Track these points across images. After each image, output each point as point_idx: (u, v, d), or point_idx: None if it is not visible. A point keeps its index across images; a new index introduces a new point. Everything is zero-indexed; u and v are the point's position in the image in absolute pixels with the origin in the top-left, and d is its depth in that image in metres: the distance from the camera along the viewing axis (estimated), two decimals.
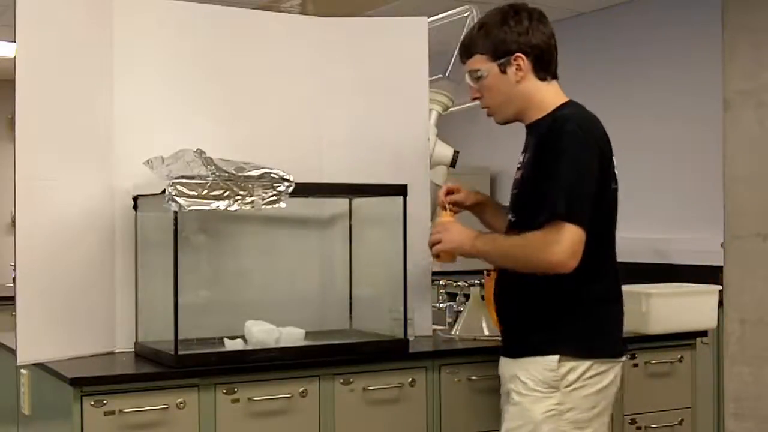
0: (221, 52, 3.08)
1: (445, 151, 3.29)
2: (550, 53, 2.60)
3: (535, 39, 2.56)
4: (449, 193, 2.82)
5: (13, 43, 2.69)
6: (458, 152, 3.31)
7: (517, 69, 2.56)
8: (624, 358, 2.61)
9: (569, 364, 2.48)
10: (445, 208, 2.80)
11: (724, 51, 4.54)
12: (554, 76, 2.62)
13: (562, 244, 2.37)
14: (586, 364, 2.48)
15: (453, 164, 3.31)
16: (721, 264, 4.53)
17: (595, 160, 2.46)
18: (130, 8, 2.95)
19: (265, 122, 3.13)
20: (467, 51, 2.64)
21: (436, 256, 2.68)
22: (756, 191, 4.38)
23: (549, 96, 2.58)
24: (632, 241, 5.81)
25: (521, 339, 2.58)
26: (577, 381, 2.48)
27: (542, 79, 2.59)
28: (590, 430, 2.51)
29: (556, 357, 2.47)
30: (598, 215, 2.46)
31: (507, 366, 2.60)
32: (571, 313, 2.51)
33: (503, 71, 2.57)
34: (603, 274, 2.53)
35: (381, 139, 3.20)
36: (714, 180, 4.82)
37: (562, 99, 2.60)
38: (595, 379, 2.50)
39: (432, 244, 2.66)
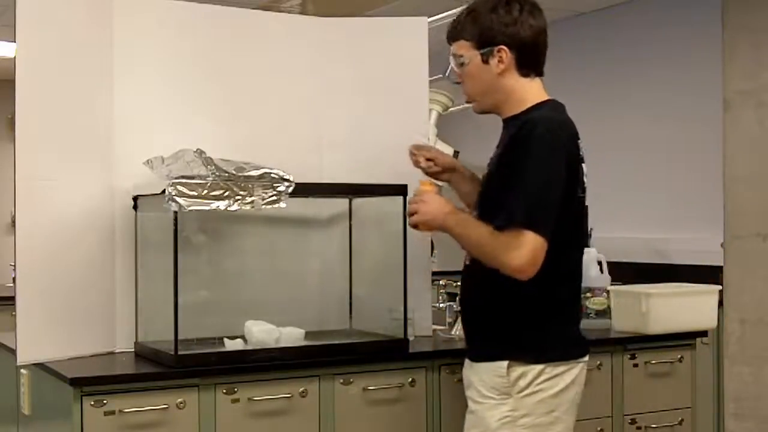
0: (221, 52, 3.08)
1: (445, 151, 3.29)
2: (536, 49, 2.52)
3: (523, 32, 2.48)
4: (429, 159, 2.79)
5: (13, 43, 2.69)
6: (458, 152, 3.31)
7: (499, 61, 2.49)
8: (584, 359, 2.54)
9: (519, 369, 2.43)
10: (418, 165, 2.78)
11: (724, 51, 4.54)
12: (539, 74, 2.55)
13: (522, 250, 2.32)
14: (537, 369, 2.43)
15: None
16: (721, 264, 4.53)
17: (563, 165, 2.39)
18: (130, 8, 2.95)
19: (265, 122, 3.13)
20: (453, 34, 2.57)
21: (414, 226, 2.60)
22: (756, 191, 4.38)
23: (529, 93, 2.51)
24: (632, 241, 5.84)
25: (476, 342, 2.57)
26: (529, 387, 2.43)
27: (525, 75, 2.51)
28: None
29: (505, 363, 2.43)
30: (563, 222, 2.39)
31: (466, 371, 2.59)
32: (525, 318, 2.46)
33: (485, 61, 2.50)
34: (564, 281, 2.48)
35: (381, 139, 3.20)
36: (714, 180, 4.81)
37: (542, 97, 2.52)
38: (548, 384, 2.44)
39: (410, 214, 2.58)
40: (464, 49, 2.54)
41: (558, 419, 2.47)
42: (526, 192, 2.34)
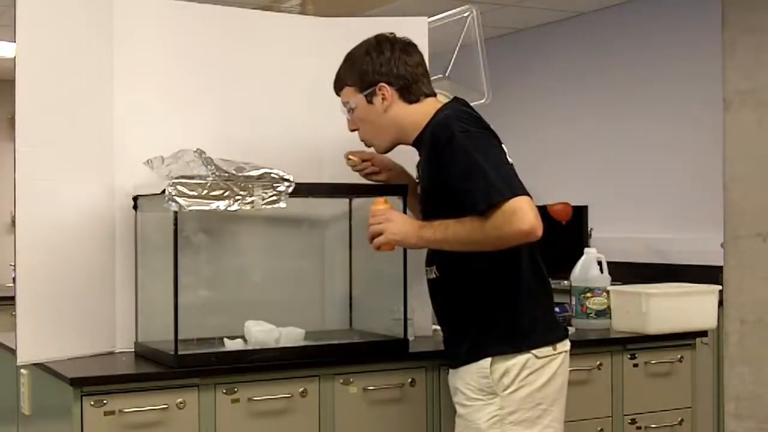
0: (221, 52, 3.08)
1: None
2: (416, 81, 2.62)
3: (399, 69, 2.60)
4: (365, 159, 2.84)
5: (13, 43, 2.69)
6: None
7: (383, 99, 2.60)
8: (566, 347, 2.57)
9: (502, 366, 2.47)
10: (359, 169, 2.82)
11: (724, 51, 4.54)
12: (429, 95, 2.64)
13: (523, 214, 2.34)
14: (519, 362, 2.46)
15: None
16: (721, 264, 4.53)
17: (496, 142, 2.48)
18: (130, 8, 2.95)
19: (265, 122, 3.13)
20: (337, 83, 2.71)
21: (378, 248, 2.60)
22: (756, 191, 4.38)
23: (422, 114, 2.59)
24: (632, 241, 5.84)
25: (455, 347, 2.61)
26: (513, 383, 2.47)
27: (413, 101, 2.62)
28: (540, 426, 2.49)
29: (488, 360, 2.47)
30: None
31: (450, 378, 2.63)
32: (497, 311, 2.51)
33: (370, 101, 2.62)
34: (519, 263, 2.51)
35: None
36: (714, 180, 4.82)
37: (436, 107, 2.59)
38: (532, 377, 2.48)
39: (372, 236, 2.59)
40: (349, 95, 2.67)
41: (546, 411, 2.51)
42: (488, 170, 2.38)
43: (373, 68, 2.61)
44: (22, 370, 2.81)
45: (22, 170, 2.69)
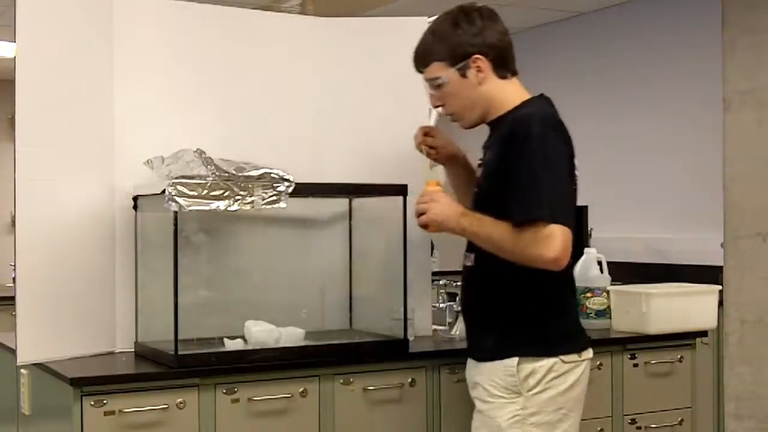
0: (221, 52, 3.08)
1: None
2: (507, 50, 2.56)
3: (491, 38, 2.52)
4: (427, 134, 2.77)
5: (13, 43, 2.69)
6: None
7: (477, 71, 2.52)
8: (589, 355, 2.57)
9: (529, 367, 2.45)
10: (422, 151, 2.76)
11: (724, 51, 4.54)
12: (514, 73, 2.58)
13: (553, 242, 2.34)
14: (547, 365, 2.45)
15: None
16: (721, 264, 4.53)
17: (565, 159, 2.44)
18: (130, 8, 2.95)
19: (265, 122, 3.13)
20: (423, 60, 2.60)
21: (424, 226, 2.58)
22: (756, 191, 4.38)
23: (510, 93, 2.55)
24: (632, 241, 5.83)
25: (481, 340, 2.58)
26: (539, 385, 2.45)
27: (502, 77, 2.55)
28: (559, 431, 2.49)
29: (515, 359, 2.45)
30: None
31: (470, 371, 2.60)
32: (530, 312, 2.49)
33: (463, 75, 2.54)
34: (562, 273, 2.48)
35: (381, 139, 3.20)
36: (714, 180, 4.82)
37: (524, 96, 2.56)
38: (557, 381, 2.47)
39: (418, 214, 2.57)
40: (439, 70, 2.56)
41: (566, 416, 2.50)
42: (543, 186, 2.36)
43: (467, 39, 2.51)
44: (22, 370, 2.81)
45: (22, 170, 2.69)
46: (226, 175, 2.60)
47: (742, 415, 4.42)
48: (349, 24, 3.27)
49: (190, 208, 2.56)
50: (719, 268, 4.55)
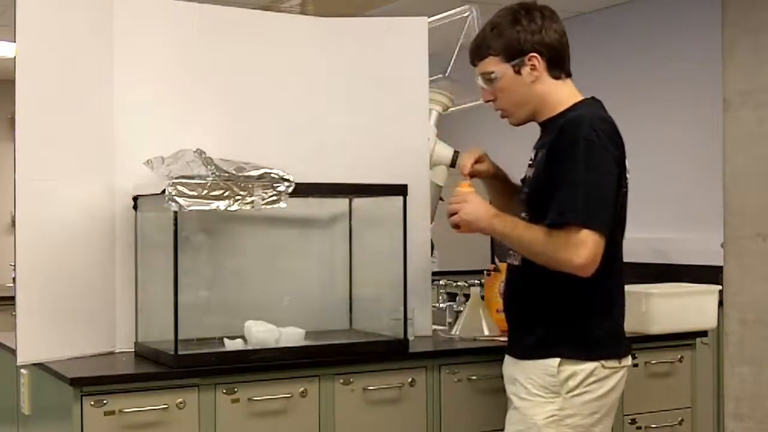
0: (221, 52, 3.08)
1: (445, 151, 3.29)
2: (563, 51, 2.56)
3: (549, 38, 2.52)
4: (477, 161, 2.75)
5: (13, 43, 2.69)
6: (458, 152, 3.30)
7: (531, 69, 2.51)
8: (628, 362, 2.57)
9: (570, 369, 2.45)
10: (468, 177, 2.73)
11: (724, 51, 4.55)
12: (568, 74, 2.58)
13: (583, 248, 2.33)
14: (588, 368, 2.45)
15: (453, 164, 3.30)
16: (721, 264, 4.53)
17: (613, 164, 2.43)
18: (130, 8, 2.95)
19: (265, 122, 3.12)
20: (479, 53, 2.58)
21: (456, 226, 2.58)
22: (756, 191, 4.38)
23: (563, 95, 2.55)
24: (632, 241, 5.77)
25: (523, 338, 2.57)
26: (578, 387, 2.45)
27: (556, 77, 2.55)
28: None
29: (557, 360, 2.45)
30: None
31: (509, 367, 2.59)
32: (575, 315, 2.49)
33: (518, 72, 2.53)
34: (609, 276, 2.49)
35: (381, 139, 3.20)
36: (714, 180, 4.82)
37: (576, 97, 2.56)
38: (596, 385, 2.47)
39: (451, 214, 2.57)
40: (493, 64, 2.55)
41: (599, 421, 2.50)
42: (581, 190, 2.36)
43: (525, 37, 2.50)
44: (22, 370, 2.81)
45: (22, 170, 2.69)
46: (226, 175, 2.60)
47: (742, 415, 4.43)
48: (349, 24, 3.27)
49: (190, 208, 2.56)
50: (719, 268, 4.56)
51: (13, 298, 2.70)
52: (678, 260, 5.52)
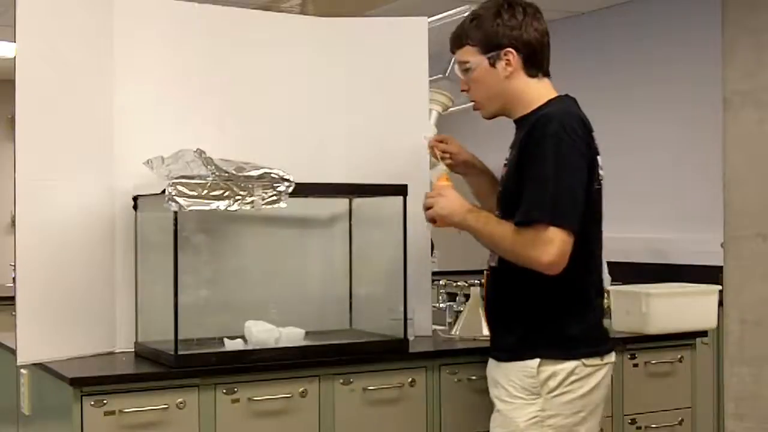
0: (221, 52, 3.08)
1: None
2: (542, 50, 2.54)
3: (528, 35, 2.51)
4: (442, 142, 2.80)
5: (13, 43, 2.69)
6: None
7: (506, 64, 2.51)
8: (611, 359, 2.56)
9: (550, 369, 2.44)
10: (436, 157, 2.78)
11: (723, 51, 4.54)
12: (546, 74, 2.57)
13: (550, 246, 2.34)
14: (568, 368, 2.45)
15: None
16: (721, 264, 4.53)
17: (582, 159, 2.42)
18: (130, 8, 2.95)
19: (265, 122, 3.13)
20: (458, 41, 2.59)
21: (432, 221, 2.60)
22: (756, 191, 4.38)
23: (537, 93, 2.53)
24: (632, 241, 5.83)
25: (503, 340, 2.57)
26: (559, 387, 2.45)
27: (532, 75, 2.54)
28: None
29: (536, 361, 2.44)
30: (583, 215, 2.42)
31: (492, 370, 2.59)
32: (553, 314, 2.48)
33: (492, 65, 2.53)
34: (586, 274, 2.50)
35: (381, 139, 3.20)
36: (714, 180, 4.82)
37: (551, 95, 2.55)
38: (577, 384, 2.46)
39: (426, 208, 2.59)
40: (470, 54, 2.56)
41: (584, 420, 2.50)
42: (550, 188, 2.36)
43: (503, 31, 2.50)
44: (22, 370, 2.81)
45: (22, 170, 2.69)
46: (226, 175, 2.60)
47: (742, 415, 4.42)
48: (349, 24, 3.27)
49: (190, 208, 2.56)
50: (719, 268, 4.55)
51: (13, 298, 2.70)
52: (678, 260, 5.52)
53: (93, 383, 2.47)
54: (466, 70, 2.57)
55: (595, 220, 2.53)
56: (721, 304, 3.58)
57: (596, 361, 2.50)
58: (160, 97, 2.98)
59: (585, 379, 2.47)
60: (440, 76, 3.38)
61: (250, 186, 2.63)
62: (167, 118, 2.97)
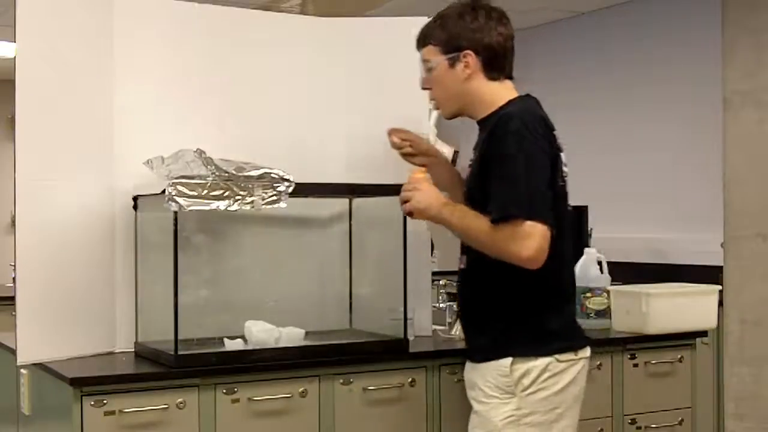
0: (221, 52, 3.08)
1: (445, 151, 3.28)
2: (504, 54, 2.57)
3: (489, 38, 2.53)
4: (397, 132, 2.84)
5: (13, 43, 2.69)
6: (458, 152, 3.30)
7: (465, 66, 2.54)
8: (586, 354, 2.57)
9: (523, 367, 2.45)
10: (396, 146, 2.82)
11: (724, 51, 4.54)
12: (508, 77, 2.59)
13: (530, 240, 2.34)
14: (541, 364, 2.45)
15: (453, 164, 3.30)
16: (721, 264, 4.53)
17: (545, 157, 2.44)
18: (130, 8, 2.95)
19: (265, 122, 3.13)
20: (422, 40, 2.63)
21: (409, 213, 2.60)
22: (756, 191, 4.38)
23: (498, 95, 2.55)
24: (632, 241, 5.84)
25: (477, 341, 2.59)
26: (533, 385, 2.46)
27: (493, 78, 2.56)
28: (554, 431, 2.49)
29: (509, 360, 2.46)
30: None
31: (469, 373, 2.61)
32: (523, 312, 2.49)
33: (452, 66, 2.56)
34: (555, 271, 2.49)
35: (381, 139, 3.19)
36: (714, 180, 4.82)
37: (512, 95, 2.56)
38: (551, 381, 2.47)
39: (403, 201, 2.59)
40: (432, 54, 2.60)
41: (561, 416, 2.50)
42: (521, 184, 2.37)
43: (464, 33, 2.53)
44: (22, 370, 2.81)
45: (22, 170, 2.69)
46: (226, 175, 2.60)
47: (742, 415, 4.43)
48: (349, 24, 3.27)
49: (190, 208, 2.56)
50: (719, 268, 4.55)
51: (13, 298, 2.70)
52: (678, 260, 5.53)
53: (93, 383, 2.47)
54: (428, 69, 2.61)
55: (561, 216, 2.52)
56: (721, 304, 3.58)
57: (570, 356, 2.51)
58: (160, 97, 2.98)
59: (559, 375, 2.48)
60: None
61: (250, 186, 2.63)
62: (167, 118, 2.97)
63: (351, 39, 3.25)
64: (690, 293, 3.46)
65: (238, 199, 2.62)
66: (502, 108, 2.51)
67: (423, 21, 3.26)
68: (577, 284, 3.36)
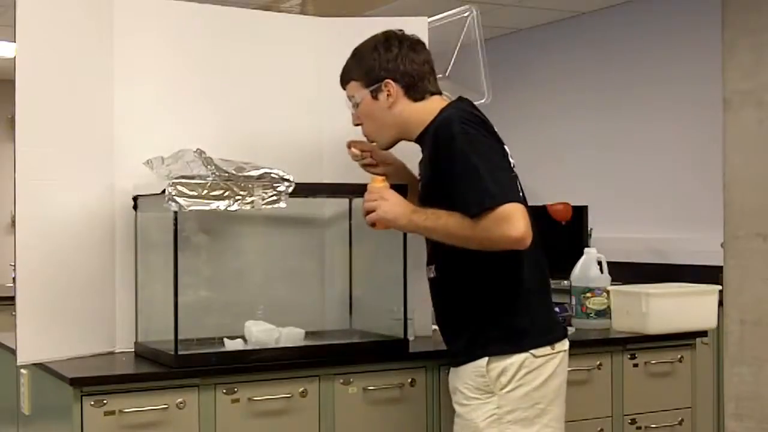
0: (221, 52, 3.08)
1: None
2: (422, 78, 2.64)
3: (404, 66, 2.62)
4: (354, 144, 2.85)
5: (13, 43, 2.69)
6: None
7: (388, 94, 2.62)
8: (564, 347, 2.57)
9: (500, 365, 2.47)
10: (355, 157, 2.83)
11: (724, 51, 4.54)
12: (432, 94, 2.65)
13: (514, 221, 2.34)
14: (517, 361, 2.46)
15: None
16: (721, 264, 4.53)
17: (496, 149, 2.47)
18: (130, 8, 2.95)
19: (265, 122, 3.13)
20: (343, 77, 2.73)
21: (372, 224, 2.61)
22: (756, 191, 4.38)
23: (426, 111, 2.60)
24: (632, 241, 5.84)
25: (453, 346, 2.62)
26: (511, 382, 2.47)
27: (417, 99, 2.63)
28: (538, 426, 2.50)
29: (485, 359, 2.47)
30: None
31: (450, 378, 2.62)
32: (495, 310, 2.51)
33: (375, 97, 2.64)
34: (521, 267, 2.50)
35: None
36: (714, 180, 4.82)
37: (442, 106, 2.60)
38: (530, 377, 2.48)
39: (367, 212, 2.60)
40: (355, 89, 2.69)
41: (544, 410, 2.51)
42: (485, 175, 2.38)
43: (380, 64, 2.63)
44: (22, 370, 2.81)
45: (22, 170, 2.69)
46: (226, 175, 2.60)
47: (742, 415, 4.42)
48: (349, 24, 3.26)
49: (190, 208, 2.56)
50: (719, 268, 4.55)
51: (13, 298, 2.70)
52: (678, 260, 5.53)
53: (93, 383, 2.47)
54: (355, 105, 2.70)
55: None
56: (721, 304, 3.58)
57: (546, 350, 2.52)
58: (160, 97, 2.98)
59: (537, 370, 2.49)
60: (440, 76, 3.37)
61: (250, 186, 2.63)
62: (167, 118, 2.97)
63: (351, 39, 3.24)
64: (690, 293, 3.46)
65: (238, 199, 2.62)
66: (435, 119, 2.56)
67: (423, 21, 3.27)
68: (577, 284, 3.38)
